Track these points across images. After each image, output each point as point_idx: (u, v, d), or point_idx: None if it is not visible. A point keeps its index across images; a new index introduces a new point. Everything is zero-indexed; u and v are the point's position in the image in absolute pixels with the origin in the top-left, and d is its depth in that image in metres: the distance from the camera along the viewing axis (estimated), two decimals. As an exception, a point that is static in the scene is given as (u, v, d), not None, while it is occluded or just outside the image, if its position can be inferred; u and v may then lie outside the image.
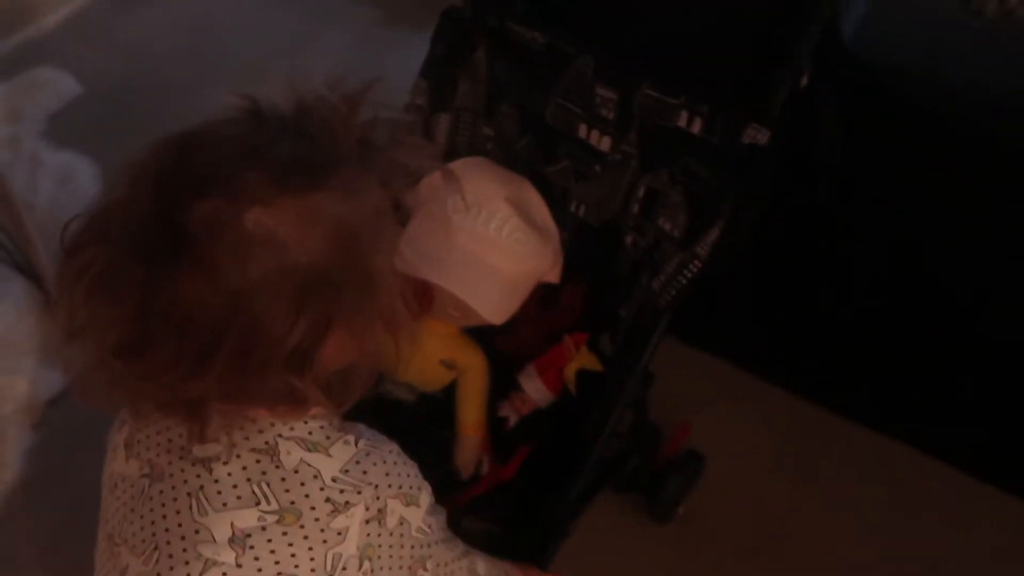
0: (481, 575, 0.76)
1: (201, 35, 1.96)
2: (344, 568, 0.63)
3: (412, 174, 0.64)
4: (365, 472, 0.63)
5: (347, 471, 0.62)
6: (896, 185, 1.07)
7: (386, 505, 0.64)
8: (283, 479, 0.60)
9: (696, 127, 0.82)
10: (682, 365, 1.47)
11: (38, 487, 1.32)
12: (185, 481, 0.61)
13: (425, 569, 0.69)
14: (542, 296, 0.97)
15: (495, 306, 0.88)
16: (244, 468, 0.60)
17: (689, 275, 0.80)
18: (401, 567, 0.67)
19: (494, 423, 0.98)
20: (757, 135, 0.77)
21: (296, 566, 0.60)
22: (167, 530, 0.61)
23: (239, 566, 0.60)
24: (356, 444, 0.64)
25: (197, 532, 0.59)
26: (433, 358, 0.97)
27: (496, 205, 0.88)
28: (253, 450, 0.61)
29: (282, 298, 0.55)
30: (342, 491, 0.62)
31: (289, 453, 0.61)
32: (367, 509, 0.63)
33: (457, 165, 0.93)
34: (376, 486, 0.63)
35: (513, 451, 0.97)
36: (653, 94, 0.83)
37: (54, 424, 1.37)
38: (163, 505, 0.61)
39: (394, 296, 0.63)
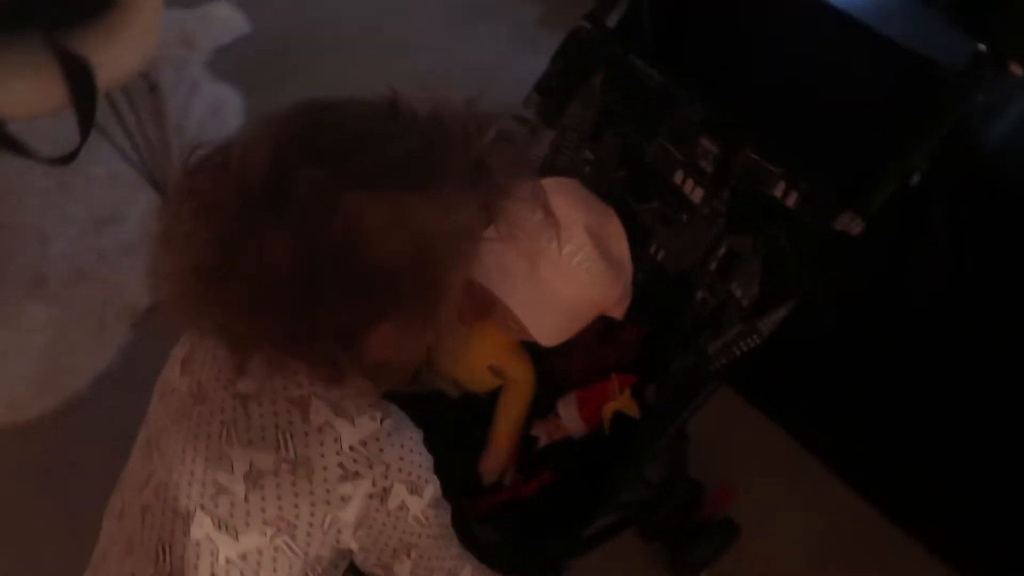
0: None
1: (366, 3, 2.05)
2: (339, 531, 0.66)
3: (514, 199, 0.66)
4: (381, 450, 0.66)
5: (365, 444, 0.65)
6: (1011, 297, 0.98)
7: (392, 486, 0.67)
8: (306, 433, 0.64)
9: (791, 200, 0.79)
10: (747, 428, 1.42)
11: (123, 381, 1.44)
12: (222, 410, 0.66)
13: (408, 557, 0.71)
14: (602, 329, 0.96)
15: (549, 329, 0.88)
16: (275, 413, 0.64)
17: (746, 348, 0.78)
18: (387, 546, 0.70)
19: (526, 440, 0.98)
20: (851, 224, 0.74)
21: (297, 516, 0.64)
22: (195, 449, 0.66)
23: (246, 500, 0.64)
24: (381, 422, 0.67)
25: (220, 459, 0.64)
26: (483, 362, 0.98)
27: (575, 231, 0.88)
28: (288, 399, 0.65)
29: (346, 279, 0.58)
30: (355, 461, 0.65)
31: (318, 412, 0.65)
32: (373, 485, 0.66)
33: (549, 183, 0.93)
34: (387, 466, 0.66)
35: (537, 472, 0.97)
36: (755, 157, 0.80)
37: (149, 329, 1.49)
38: (198, 426, 0.66)
39: (452, 311, 0.65)
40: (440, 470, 0.77)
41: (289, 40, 1.93)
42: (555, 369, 0.99)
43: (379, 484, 0.66)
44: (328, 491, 0.64)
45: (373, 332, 0.61)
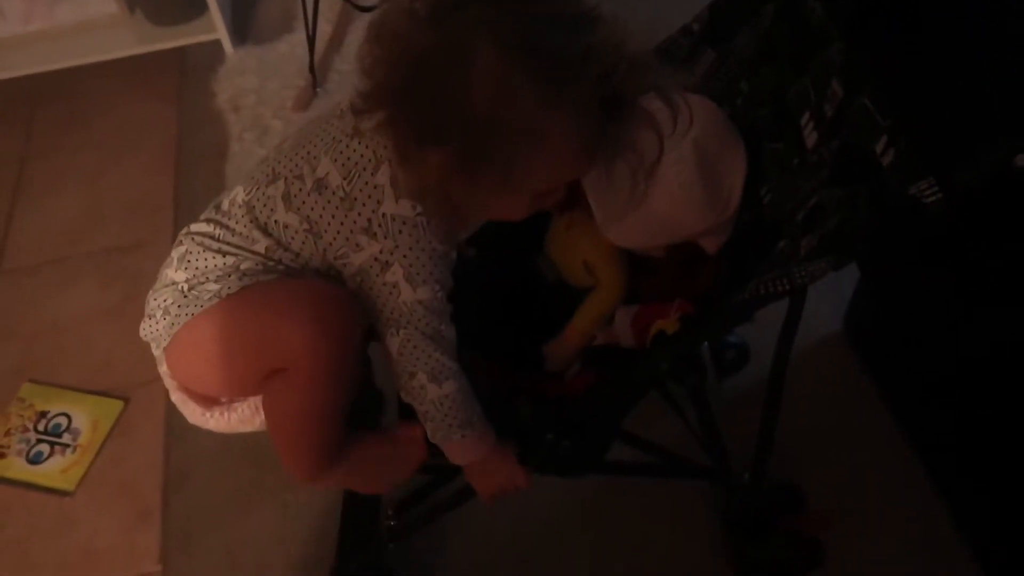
0: (442, 391, 0.84)
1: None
2: (345, 265, 0.82)
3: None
4: (400, 232, 0.78)
5: (393, 218, 0.78)
6: None
7: (392, 264, 0.79)
8: (366, 182, 0.78)
9: (888, 158, 0.70)
10: (901, 480, 1.27)
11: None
12: (341, 130, 0.80)
13: (396, 333, 0.82)
14: (691, 257, 0.95)
15: (619, 228, 0.90)
16: (361, 156, 0.78)
17: (772, 289, 0.73)
18: (381, 314, 0.82)
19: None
20: (926, 191, 0.64)
21: (326, 230, 0.80)
22: (309, 140, 0.81)
23: (307, 194, 0.80)
24: (415, 213, 0.78)
25: (315, 158, 0.80)
26: (579, 256, 1.02)
27: (682, 143, 0.88)
28: (374, 152, 0.77)
29: (439, 92, 0.68)
30: (380, 225, 0.78)
31: (383, 174, 0.77)
32: (380, 252, 0.79)
33: (689, 98, 0.92)
34: (396, 246, 0.78)
35: (585, 373, 1.00)
36: (868, 106, 0.73)
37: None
38: (324, 129, 0.82)
39: (508, 194, 0.75)
40: (503, 335, 0.84)
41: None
42: (640, 285, 1.00)
43: (384, 255, 0.79)
44: (351, 231, 0.79)
45: (434, 150, 0.70)
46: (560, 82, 0.67)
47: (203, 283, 0.85)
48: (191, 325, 0.84)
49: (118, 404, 1.45)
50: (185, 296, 0.85)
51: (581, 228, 1.00)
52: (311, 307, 0.81)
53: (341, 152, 0.79)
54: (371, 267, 0.80)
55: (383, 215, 0.78)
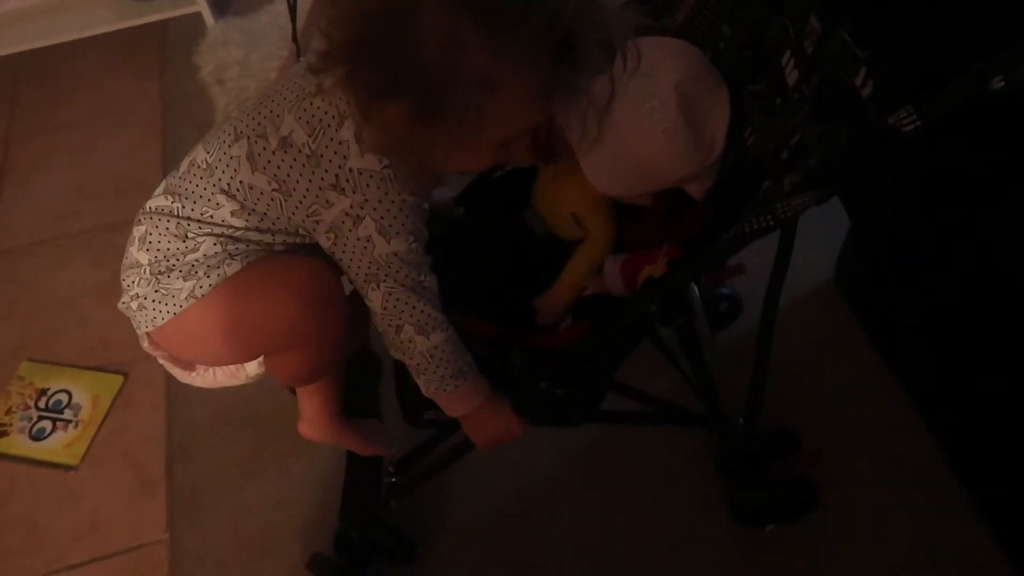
0: (431, 342, 0.84)
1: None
2: (316, 223, 0.82)
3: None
4: (367, 185, 0.78)
5: (360, 172, 0.78)
6: None
7: (364, 218, 0.79)
8: (331, 139, 0.78)
9: (867, 90, 0.70)
10: (891, 419, 1.28)
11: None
12: (303, 88, 0.80)
13: (377, 288, 0.83)
14: (676, 204, 0.95)
15: (604, 175, 0.90)
16: (325, 112, 0.78)
17: (756, 227, 0.73)
18: (359, 271, 0.83)
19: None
20: (904, 120, 0.64)
21: (294, 189, 0.81)
22: (271, 99, 0.82)
23: (273, 153, 0.80)
24: (381, 166, 0.78)
25: (278, 116, 0.80)
26: (566, 207, 1.03)
27: (662, 87, 0.88)
28: (337, 109, 0.78)
29: (391, 45, 0.67)
30: (347, 180, 0.78)
31: (348, 129, 0.78)
32: (351, 207, 0.79)
33: (661, 42, 0.92)
34: (366, 199, 0.79)
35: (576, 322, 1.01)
36: (847, 39, 0.72)
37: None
38: (285, 86, 0.82)
39: (466, 141, 0.73)
40: (494, 291, 0.86)
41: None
42: (628, 233, 1.00)
43: (355, 209, 0.79)
44: (320, 188, 0.79)
45: (393, 102, 0.70)
46: (508, 29, 0.66)
47: (170, 271, 0.86)
48: (173, 324, 0.86)
49: (118, 379, 1.46)
50: (156, 289, 0.86)
51: (567, 180, 1.00)
52: (290, 287, 0.84)
53: (305, 110, 0.79)
54: (343, 222, 0.80)
55: (350, 170, 0.78)
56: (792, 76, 0.81)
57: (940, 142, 0.68)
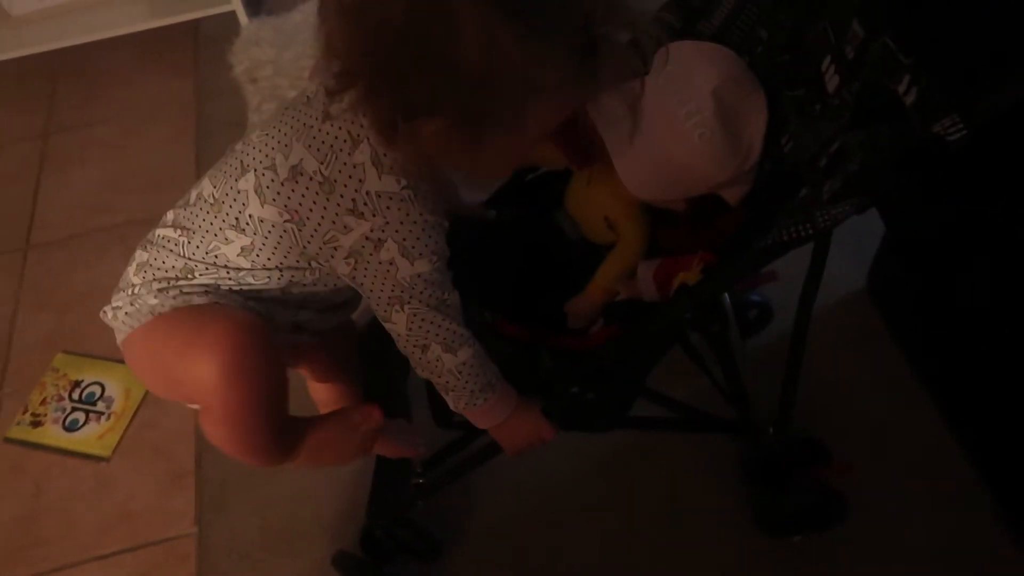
0: (458, 359, 0.83)
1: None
2: (335, 248, 0.80)
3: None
4: (387, 208, 0.77)
5: (379, 196, 0.77)
6: None
7: (386, 240, 0.78)
8: (344, 163, 0.77)
9: (911, 98, 0.69)
10: (919, 426, 1.27)
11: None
12: (309, 115, 0.79)
13: (401, 310, 0.82)
14: (712, 209, 0.94)
15: (639, 179, 0.90)
16: (336, 137, 0.77)
17: (794, 234, 0.73)
18: (381, 295, 0.81)
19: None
20: (950, 128, 0.63)
21: (308, 217, 0.80)
22: (278, 129, 0.80)
23: (283, 184, 0.79)
24: (401, 187, 0.77)
25: (286, 146, 0.79)
26: (600, 211, 1.02)
27: (699, 94, 0.87)
28: (348, 132, 0.76)
29: (422, 56, 0.65)
30: (365, 204, 0.77)
31: (362, 153, 0.76)
32: (371, 230, 0.78)
33: (698, 46, 0.92)
34: (387, 222, 0.77)
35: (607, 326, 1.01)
36: (890, 45, 0.71)
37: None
38: (292, 116, 0.80)
39: (507, 146, 0.73)
40: (525, 295, 0.87)
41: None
42: (661, 238, 1.00)
43: (375, 232, 0.77)
44: (337, 214, 0.78)
45: (427, 119, 0.69)
46: (544, 27, 0.65)
47: (146, 292, 0.86)
48: (132, 340, 0.88)
49: (149, 372, 1.48)
50: (131, 303, 0.87)
51: (601, 183, 1.00)
52: (217, 344, 0.81)
53: (314, 137, 0.77)
54: (363, 247, 0.78)
55: (367, 193, 0.76)
56: (832, 82, 0.80)
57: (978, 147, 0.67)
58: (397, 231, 0.77)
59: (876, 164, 0.69)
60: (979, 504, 1.18)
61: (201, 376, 0.81)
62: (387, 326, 0.84)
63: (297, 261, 0.83)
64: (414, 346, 0.84)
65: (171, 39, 2.14)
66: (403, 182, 0.76)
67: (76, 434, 1.41)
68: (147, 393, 1.46)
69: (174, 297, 0.85)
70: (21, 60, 2.05)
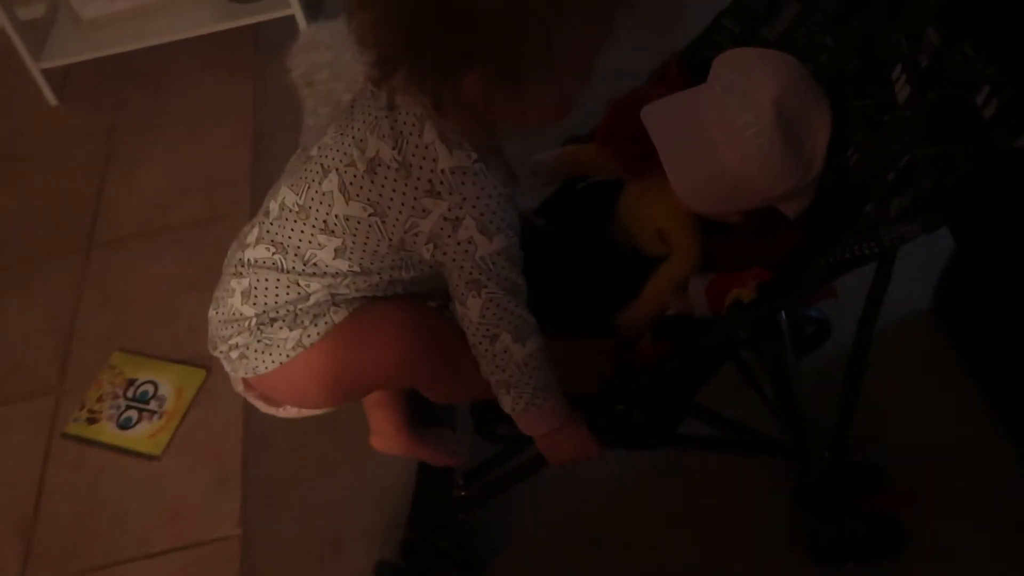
0: (526, 350, 0.81)
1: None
2: (416, 235, 0.80)
3: None
4: (463, 183, 0.77)
5: (453, 172, 0.76)
6: None
7: (464, 218, 0.77)
8: (416, 145, 0.77)
9: (990, 109, 0.64)
10: (996, 460, 1.20)
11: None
12: (379, 107, 0.79)
13: (479, 295, 0.80)
14: (770, 222, 0.90)
15: (694, 191, 0.87)
16: (404, 123, 0.77)
17: (858, 253, 0.68)
18: (460, 277, 0.80)
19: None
20: (1034, 144, 0.59)
21: (389, 207, 0.79)
22: (351, 126, 0.81)
23: (363, 177, 0.79)
24: (472, 160, 0.76)
25: (362, 141, 0.80)
26: (652, 223, 0.99)
27: (759, 100, 0.83)
28: (415, 115, 0.77)
29: (443, 14, 0.66)
30: (442, 183, 0.77)
31: (430, 132, 0.77)
32: (449, 209, 0.77)
33: (759, 52, 0.88)
34: (464, 198, 0.77)
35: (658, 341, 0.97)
36: (970, 54, 0.67)
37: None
38: (362, 112, 0.81)
39: (549, 88, 0.73)
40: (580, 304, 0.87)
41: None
42: (715, 252, 0.96)
43: (453, 211, 0.77)
44: (415, 198, 0.78)
45: (467, 74, 0.70)
46: None
47: (272, 321, 0.86)
48: (279, 373, 0.87)
49: (201, 372, 1.50)
50: (259, 339, 0.86)
51: (655, 195, 0.97)
52: (393, 334, 0.86)
53: (385, 128, 0.78)
54: (442, 228, 0.78)
55: (442, 171, 0.76)
56: (903, 92, 0.76)
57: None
58: (474, 206, 0.77)
59: (951, 183, 0.65)
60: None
61: (392, 361, 0.87)
62: (461, 312, 0.83)
63: (391, 259, 0.84)
64: (483, 335, 0.82)
65: (232, 43, 2.17)
66: (474, 156, 0.76)
67: (129, 432, 1.44)
68: (198, 393, 1.48)
69: (313, 323, 0.85)
70: (91, 62, 2.11)
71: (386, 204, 0.79)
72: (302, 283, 0.85)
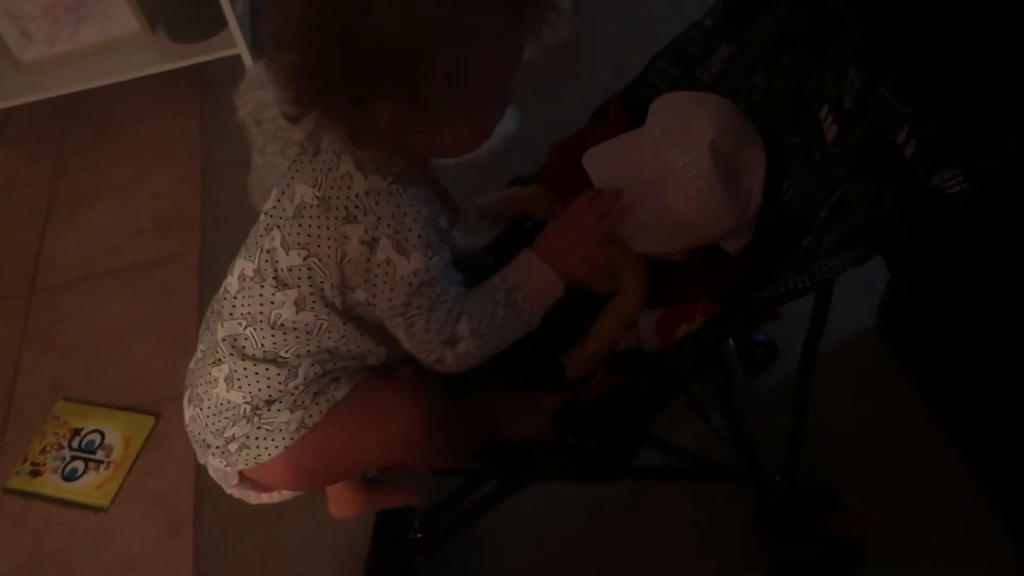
0: (462, 350, 0.81)
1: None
2: (345, 266, 0.79)
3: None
4: (376, 203, 0.76)
5: (367, 194, 0.76)
6: None
7: (380, 239, 0.77)
8: (335, 179, 0.78)
9: (910, 149, 0.67)
10: (949, 485, 1.23)
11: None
12: (301, 160, 0.82)
13: (402, 325, 0.80)
14: (713, 259, 0.92)
15: (636, 231, 0.88)
16: (322, 161, 0.79)
17: (792, 287, 0.71)
18: (384, 305, 0.80)
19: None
20: (950, 181, 0.62)
21: (319, 244, 0.79)
22: (285, 181, 0.82)
23: (292, 223, 0.80)
24: (388, 182, 0.76)
25: (292, 190, 0.81)
26: (599, 261, 1.00)
27: (696, 144, 0.86)
28: (332, 151, 0.78)
29: (351, 45, 0.66)
30: (357, 207, 0.77)
31: (346, 162, 0.77)
32: (365, 231, 0.77)
33: (696, 96, 0.91)
34: (379, 218, 0.76)
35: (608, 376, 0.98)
36: (888, 95, 0.70)
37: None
38: (296, 168, 0.82)
39: (458, 114, 0.73)
40: (528, 347, 0.87)
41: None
42: (663, 288, 0.98)
43: (369, 232, 0.76)
44: (337, 228, 0.78)
45: (377, 103, 0.70)
46: None
47: (270, 404, 0.84)
48: (282, 458, 0.84)
49: (150, 420, 1.47)
50: (259, 425, 0.84)
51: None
52: (394, 408, 0.85)
53: (308, 172, 0.79)
54: (361, 253, 0.77)
55: (357, 195, 0.76)
56: (831, 131, 0.79)
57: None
58: (389, 225, 0.76)
59: (881, 217, 0.67)
60: (1000, 548, 1.14)
61: (395, 439, 0.85)
62: (406, 346, 0.84)
63: (341, 300, 0.82)
64: (424, 356, 0.83)
65: (179, 82, 2.16)
66: (390, 179, 0.77)
67: (75, 483, 1.40)
68: (147, 440, 1.44)
69: (314, 402, 0.84)
70: (32, 105, 2.07)
71: (316, 243, 0.79)
72: (281, 354, 0.84)
